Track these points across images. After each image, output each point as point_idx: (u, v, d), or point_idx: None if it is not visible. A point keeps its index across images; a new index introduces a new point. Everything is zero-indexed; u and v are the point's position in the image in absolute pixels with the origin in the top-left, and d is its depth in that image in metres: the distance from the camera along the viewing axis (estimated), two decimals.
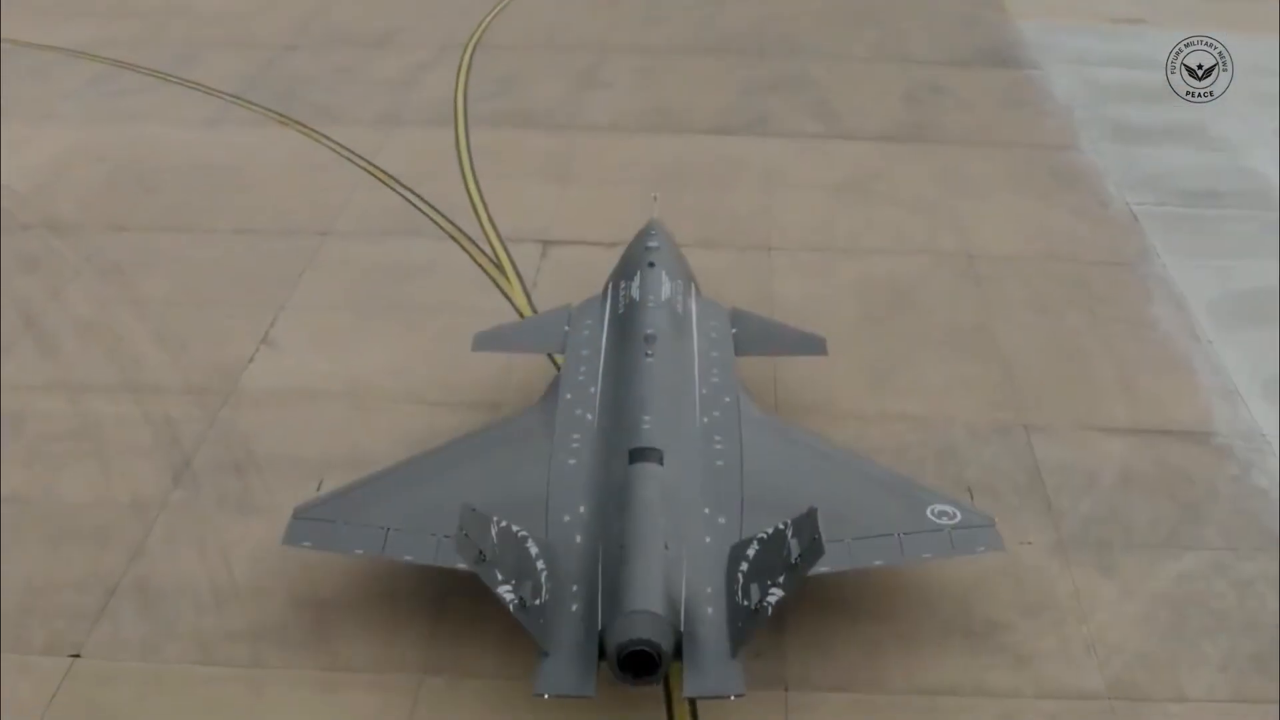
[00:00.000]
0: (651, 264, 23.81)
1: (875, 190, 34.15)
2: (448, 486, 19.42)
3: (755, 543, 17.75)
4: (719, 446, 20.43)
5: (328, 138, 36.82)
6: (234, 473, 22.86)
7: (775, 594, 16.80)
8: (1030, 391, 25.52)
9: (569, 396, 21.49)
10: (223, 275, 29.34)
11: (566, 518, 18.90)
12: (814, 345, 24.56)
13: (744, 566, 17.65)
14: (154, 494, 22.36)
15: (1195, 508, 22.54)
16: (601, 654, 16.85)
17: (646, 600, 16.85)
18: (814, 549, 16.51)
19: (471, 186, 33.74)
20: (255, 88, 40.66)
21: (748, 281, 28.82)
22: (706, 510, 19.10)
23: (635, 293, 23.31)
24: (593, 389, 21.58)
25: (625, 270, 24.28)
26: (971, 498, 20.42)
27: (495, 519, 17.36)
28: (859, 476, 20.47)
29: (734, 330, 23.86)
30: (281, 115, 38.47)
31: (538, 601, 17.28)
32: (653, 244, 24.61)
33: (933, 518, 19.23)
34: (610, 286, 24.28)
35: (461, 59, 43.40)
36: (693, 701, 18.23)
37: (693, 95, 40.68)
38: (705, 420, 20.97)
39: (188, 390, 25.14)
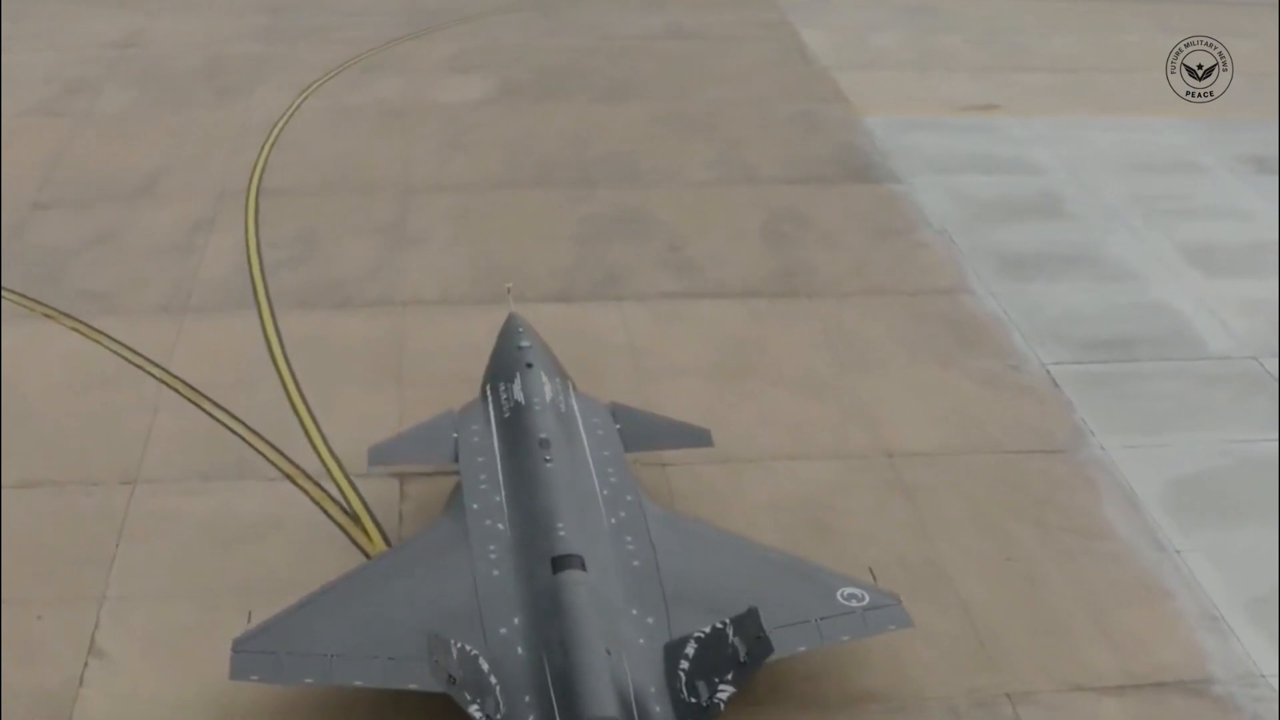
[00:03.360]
0: (530, 364, 26.14)
1: (758, 369, 32.84)
2: (378, 606, 21.32)
3: (692, 641, 20.05)
4: (631, 547, 22.57)
5: (107, 335, 34.03)
6: None
7: (726, 689, 19.25)
8: (999, 643, 24.36)
9: (475, 506, 23.45)
10: (16, 556, 26.02)
11: (503, 630, 20.82)
12: (699, 438, 27.15)
13: (684, 665, 19.85)
14: None
15: None
16: None
17: (603, 706, 18.93)
18: (762, 647, 19.33)
19: (295, 397, 31.42)
20: (7, 266, 37.42)
21: None
22: (635, 611, 21.19)
23: (519, 395, 25.50)
24: (497, 497, 23.53)
25: (502, 372, 26.38)
26: (874, 578, 22.91)
27: (454, 642, 19.67)
28: (767, 565, 22.90)
29: (618, 426, 26.12)
30: (46, 306, 35.40)
31: (499, 716, 19.16)
32: (524, 343, 26.88)
33: (843, 601, 21.82)
34: (489, 389, 26.35)
35: (246, 210, 40.83)
36: None
37: (523, 246, 38.81)
38: (613, 521, 23.12)
39: None
